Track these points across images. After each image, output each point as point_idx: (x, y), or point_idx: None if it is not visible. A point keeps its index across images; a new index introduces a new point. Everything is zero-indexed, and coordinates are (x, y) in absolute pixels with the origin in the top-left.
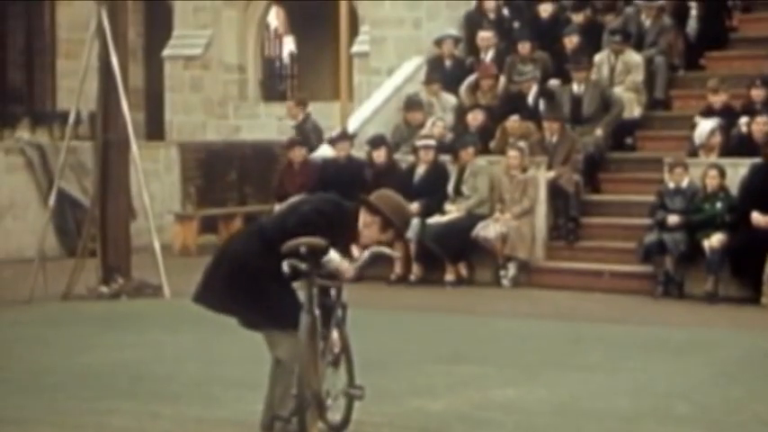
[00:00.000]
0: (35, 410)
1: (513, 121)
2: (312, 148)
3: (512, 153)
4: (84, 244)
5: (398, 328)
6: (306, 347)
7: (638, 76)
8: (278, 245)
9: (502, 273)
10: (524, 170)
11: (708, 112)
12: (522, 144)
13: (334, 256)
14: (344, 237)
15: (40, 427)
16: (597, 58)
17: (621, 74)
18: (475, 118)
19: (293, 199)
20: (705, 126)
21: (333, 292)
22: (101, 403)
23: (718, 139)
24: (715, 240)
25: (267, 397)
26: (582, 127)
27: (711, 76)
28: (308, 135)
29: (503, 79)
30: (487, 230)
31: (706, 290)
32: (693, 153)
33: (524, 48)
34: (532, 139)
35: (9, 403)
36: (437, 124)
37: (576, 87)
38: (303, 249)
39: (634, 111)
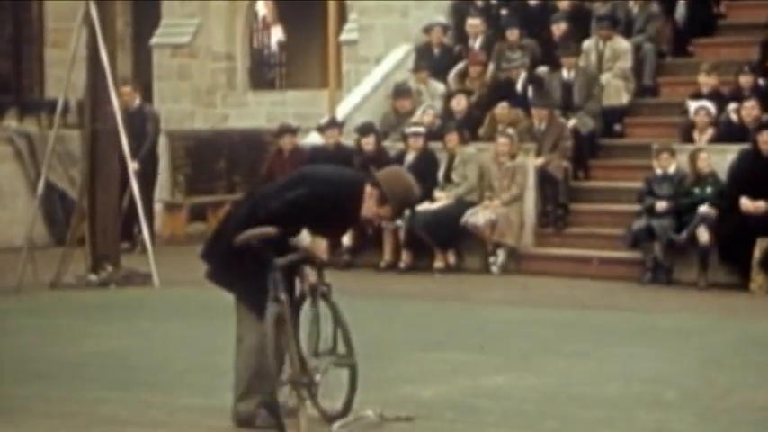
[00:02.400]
0: (24, 399)
1: (502, 109)
2: (146, 136)
3: (501, 140)
4: (72, 233)
5: (388, 316)
6: (273, 337)
7: (627, 63)
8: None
9: (491, 260)
10: (513, 157)
11: (697, 97)
12: (511, 131)
13: (303, 236)
14: (347, 213)
15: (29, 417)
16: (585, 44)
17: (610, 60)
18: (458, 103)
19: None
20: (693, 105)
21: (314, 270)
22: (90, 392)
23: (704, 118)
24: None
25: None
26: (573, 114)
27: (700, 63)
28: (145, 122)
29: (491, 66)
30: (476, 217)
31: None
32: (685, 139)
33: (512, 35)
34: (521, 126)
35: None
36: (428, 112)
37: (565, 74)
38: (255, 243)
39: (622, 98)
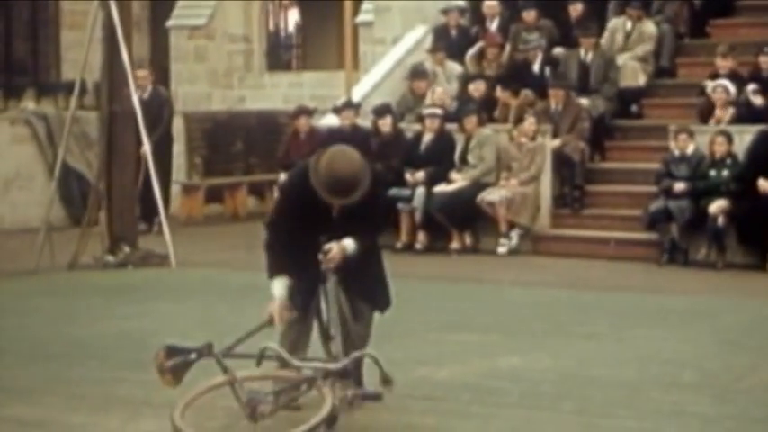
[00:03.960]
0: (41, 380)
1: (502, 93)
2: (161, 120)
3: (530, 119)
4: (89, 214)
5: (404, 297)
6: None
7: (649, 47)
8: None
9: (502, 241)
10: (533, 138)
11: (715, 77)
12: (531, 112)
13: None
14: (311, 201)
15: (46, 397)
16: (612, 22)
17: (634, 42)
18: (477, 88)
19: None
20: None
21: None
22: (107, 373)
23: (721, 95)
24: (714, 207)
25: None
26: (587, 96)
27: (717, 44)
28: (162, 106)
29: (508, 48)
30: (492, 195)
31: (707, 255)
32: (703, 120)
33: (529, 16)
34: (538, 107)
35: (15, 373)
36: (436, 91)
37: (582, 54)
38: None
39: (639, 79)
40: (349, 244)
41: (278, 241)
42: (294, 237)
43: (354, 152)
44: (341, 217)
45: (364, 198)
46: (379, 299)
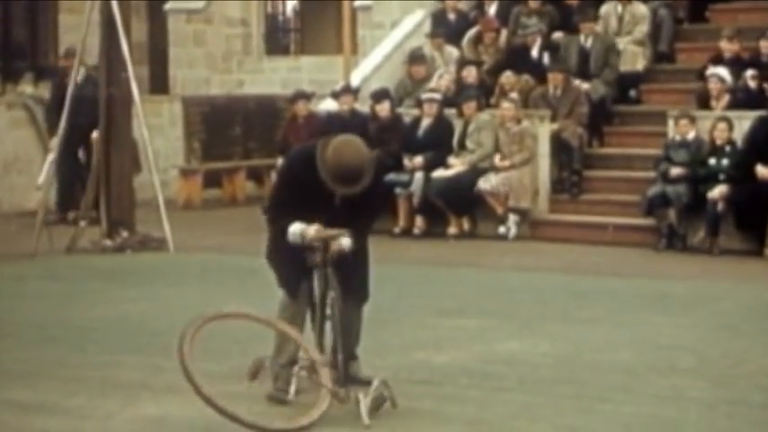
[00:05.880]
0: (39, 364)
1: (507, 77)
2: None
3: (505, 105)
4: (87, 199)
5: (402, 282)
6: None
7: (645, 28)
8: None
9: (501, 229)
10: (519, 122)
11: (716, 62)
12: (514, 95)
13: (293, 228)
14: (311, 182)
15: (45, 381)
16: (604, 9)
17: (629, 25)
18: (469, 74)
19: None
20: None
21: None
22: (105, 357)
23: (715, 85)
24: (713, 193)
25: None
26: (587, 81)
27: (716, 29)
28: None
29: (505, 33)
30: (489, 181)
31: (705, 241)
32: (702, 105)
33: (533, 2)
34: (536, 92)
35: (14, 357)
36: (444, 77)
37: (582, 40)
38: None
39: (638, 64)
40: (346, 243)
41: (283, 220)
42: (295, 218)
43: (360, 141)
44: (342, 204)
45: (367, 187)
46: (362, 290)
